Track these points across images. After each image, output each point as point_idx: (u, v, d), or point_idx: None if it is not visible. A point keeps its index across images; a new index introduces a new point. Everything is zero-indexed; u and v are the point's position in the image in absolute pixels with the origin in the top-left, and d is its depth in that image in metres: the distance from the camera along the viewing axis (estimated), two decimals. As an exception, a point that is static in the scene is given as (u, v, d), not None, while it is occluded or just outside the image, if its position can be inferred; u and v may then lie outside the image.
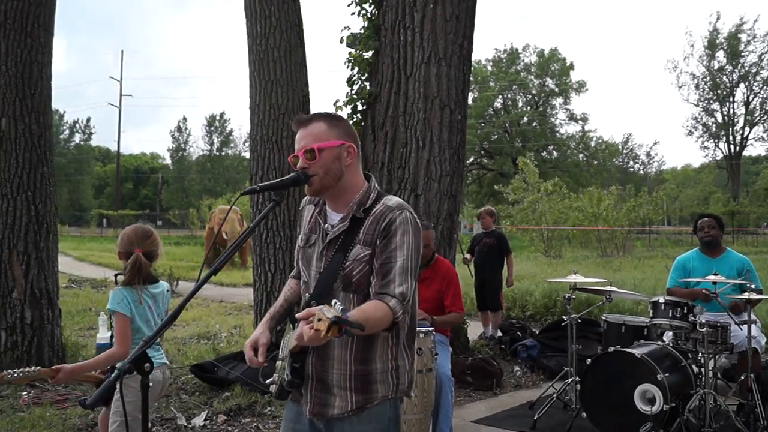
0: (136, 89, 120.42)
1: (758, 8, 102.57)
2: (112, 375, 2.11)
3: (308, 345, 2.17)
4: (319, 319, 1.92)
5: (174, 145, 78.77)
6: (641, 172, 64.54)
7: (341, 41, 8.35)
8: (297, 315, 2.03)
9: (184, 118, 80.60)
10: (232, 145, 78.98)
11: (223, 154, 77.75)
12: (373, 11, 7.88)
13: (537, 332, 8.54)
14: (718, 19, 64.09)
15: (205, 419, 5.44)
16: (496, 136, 58.54)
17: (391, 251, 2.38)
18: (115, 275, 3.89)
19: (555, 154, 59.20)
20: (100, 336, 7.06)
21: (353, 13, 8.01)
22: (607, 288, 5.93)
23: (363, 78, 7.95)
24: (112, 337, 3.64)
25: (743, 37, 51.60)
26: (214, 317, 11.29)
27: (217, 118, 78.05)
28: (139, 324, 3.60)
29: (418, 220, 2.50)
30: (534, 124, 58.92)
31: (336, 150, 2.46)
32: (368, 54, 7.90)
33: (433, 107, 7.30)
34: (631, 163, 65.73)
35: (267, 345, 2.49)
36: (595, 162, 58.52)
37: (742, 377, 5.45)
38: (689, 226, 40.08)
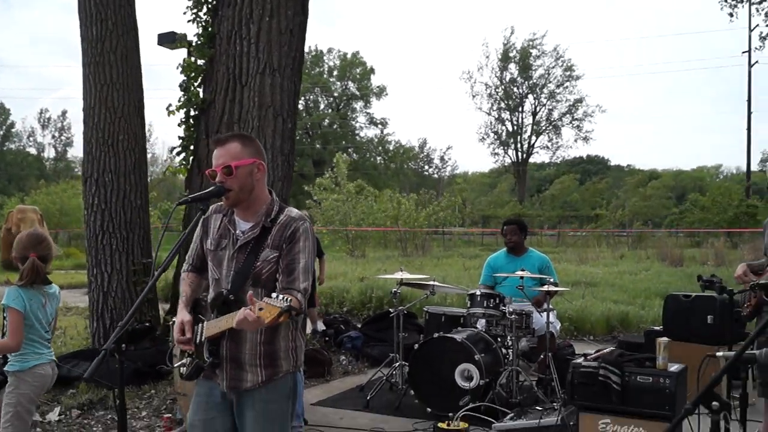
0: None
1: (547, 24, 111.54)
2: (99, 356, 2.46)
3: (247, 329, 2.71)
4: (261, 309, 2.46)
5: (-50, 139, 71.60)
6: (435, 175, 68.19)
7: (157, 42, 8.59)
8: (249, 296, 2.56)
9: (-36, 110, 73.53)
10: (15, 139, 73.41)
11: (5, 149, 72.01)
12: (208, 19, 8.15)
13: (360, 325, 9.27)
14: (512, 33, 68.89)
15: (60, 414, 5.59)
16: (296, 138, 59.30)
17: (295, 254, 2.92)
18: None
19: (355, 156, 61.05)
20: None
21: (189, 21, 8.24)
22: (431, 282, 6.76)
23: (196, 84, 8.20)
24: (4, 330, 3.86)
25: (534, 51, 55.90)
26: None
27: (-4, 109, 72.02)
28: (33, 321, 3.87)
29: (313, 228, 3.07)
30: (335, 126, 60.37)
31: (249, 167, 2.95)
32: (202, 61, 8.16)
33: (267, 116, 7.70)
34: (426, 167, 69.24)
35: (191, 323, 2.97)
36: (393, 165, 61.01)
37: (542, 356, 6.46)
38: (480, 227, 43.21)
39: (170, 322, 5.69)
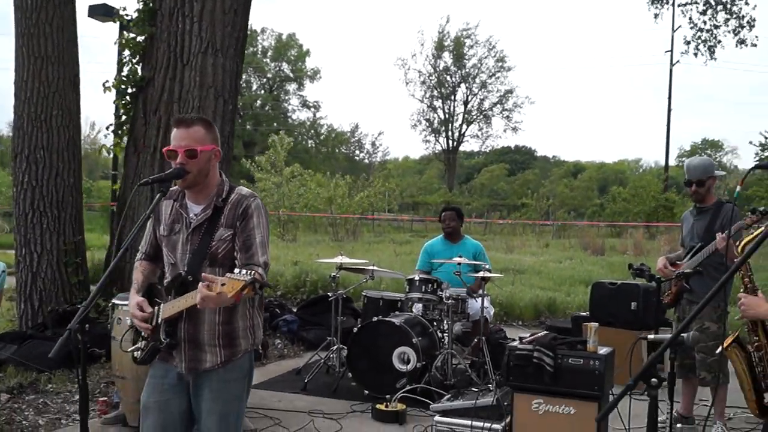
0: None
1: (481, 15, 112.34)
2: (64, 336, 2.46)
3: (211, 307, 2.73)
4: (223, 284, 2.50)
5: None
6: (366, 161, 68.22)
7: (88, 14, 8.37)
8: (204, 275, 2.59)
9: None
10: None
11: None
12: (149, -5, 8.00)
13: (295, 309, 9.31)
14: (447, 22, 69.64)
15: (-13, 398, 5.49)
16: (230, 119, 58.31)
17: (251, 230, 2.99)
18: None
19: (287, 139, 60.47)
20: None
21: (128, -4, 8.09)
22: (370, 267, 6.88)
23: (135, 61, 8.07)
24: None
25: (467, 41, 56.52)
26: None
27: None
28: None
29: (264, 205, 3.12)
30: (267, 108, 59.74)
31: (209, 153, 2.99)
32: (141, 38, 8.01)
33: (208, 96, 7.64)
34: (358, 151, 69.19)
35: (146, 301, 2.99)
36: (324, 149, 60.81)
37: (475, 340, 6.65)
38: (410, 213, 43.56)
39: (108, 306, 5.65)
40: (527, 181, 50.65)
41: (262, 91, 60.48)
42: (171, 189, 3.13)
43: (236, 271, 2.54)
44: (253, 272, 2.55)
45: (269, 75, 60.21)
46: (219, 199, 3.04)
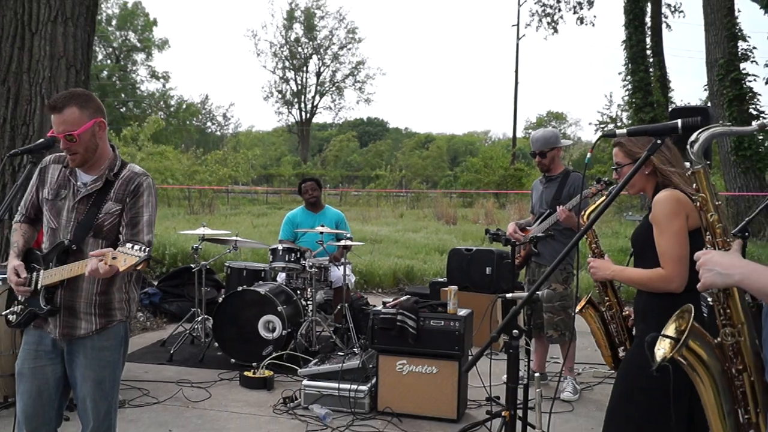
0: None
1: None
2: None
3: (99, 277, 2.77)
4: (114, 257, 2.55)
5: None
6: (218, 133, 66.84)
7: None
8: (92, 253, 2.64)
9: None
10: None
11: None
12: (-10, -41, 7.54)
13: (156, 282, 9.15)
14: (299, -8, 69.32)
15: None
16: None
17: (139, 208, 3.05)
18: None
19: (135, 111, 58.25)
20: None
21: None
22: (233, 238, 6.90)
23: (-22, 30, 7.58)
24: None
25: (318, 12, 56.45)
26: None
27: None
28: None
29: (154, 184, 3.14)
30: (114, 78, 57.15)
31: (91, 129, 2.98)
32: (-16, 4, 7.53)
33: (60, 66, 7.34)
34: (209, 123, 67.62)
35: (23, 266, 3.00)
36: (175, 121, 59.02)
37: (338, 307, 6.85)
38: (264, 185, 43.23)
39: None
40: (380, 152, 51.52)
41: (109, 61, 57.70)
42: (60, 154, 3.09)
43: (128, 246, 2.63)
44: (147, 249, 2.64)
45: (115, 45, 57.52)
46: (111, 173, 3.06)
